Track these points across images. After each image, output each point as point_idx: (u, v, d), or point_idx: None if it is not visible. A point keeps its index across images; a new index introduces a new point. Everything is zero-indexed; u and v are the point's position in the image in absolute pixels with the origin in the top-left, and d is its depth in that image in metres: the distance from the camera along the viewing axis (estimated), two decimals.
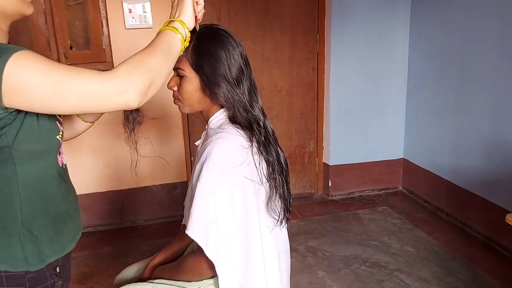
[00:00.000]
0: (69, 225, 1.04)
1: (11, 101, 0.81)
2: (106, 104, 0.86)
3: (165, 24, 0.99)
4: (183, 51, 1.02)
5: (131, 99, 0.86)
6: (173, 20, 0.99)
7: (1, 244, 0.92)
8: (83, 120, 1.22)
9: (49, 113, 0.89)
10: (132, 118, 1.21)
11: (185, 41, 0.99)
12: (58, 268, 1.01)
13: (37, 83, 0.81)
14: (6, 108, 0.82)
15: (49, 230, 0.97)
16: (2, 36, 0.94)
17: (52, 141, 0.96)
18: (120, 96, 0.85)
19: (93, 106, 0.86)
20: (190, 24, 1.01)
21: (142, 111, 1.20)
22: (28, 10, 0.96)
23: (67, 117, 1.18)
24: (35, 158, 0.93)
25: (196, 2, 1.04)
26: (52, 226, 0.98)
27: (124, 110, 1.16)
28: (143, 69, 0.88)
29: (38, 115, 0.90)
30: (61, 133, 1.00)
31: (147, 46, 0.94)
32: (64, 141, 1.07)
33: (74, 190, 1.12)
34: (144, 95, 0.88)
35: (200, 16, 1.06)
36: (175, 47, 0.97)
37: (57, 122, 0.99)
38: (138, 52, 0.91)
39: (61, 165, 1.02)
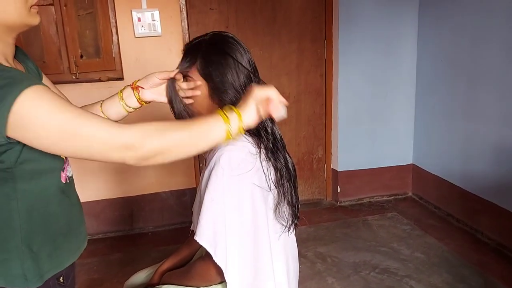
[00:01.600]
0: (71, 240, 1.03)
1: (15, 134, 0.80)
2: (106, 155, 0.85)
3: (226, 108, 0.95)
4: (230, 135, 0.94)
5: (130, 158, 0.85)
6: (232, 109, 0.95)
7: (1, 261, 0.91)
8: (125, 107, 1.20)
9: (49, 152, 0.86)
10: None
11: (231, 135, 0.93)
12: (61, 278, 1.01)
13: (45, 124, 0.80)
14: (8, 137, 0.81)
15: (49, 246, 0.96)
16: (8, 50, 0.93)
17: (55, 161, 0.95)
18: (121, 152, 0.84)
19: (95, 154, 0.85)
20: (248, 122, 0.95)
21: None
22: (35, 20, 0.94)
23: None
24: (35, 177, 0.92)
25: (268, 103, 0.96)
26: (52, 242, 0.96)
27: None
28: (161, 137, 0.86)
29: None
30: None
31: (189, 120, 0.91)
32: None
33: (79, 202, 1.10)
34: (146, 160, 0.86)
35: (278, 116, 0.98)
36: (214, 133, 0.92)
37: None
38: (174, 121, 0.90)
39: (64, 181, 1.01)
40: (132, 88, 1.19)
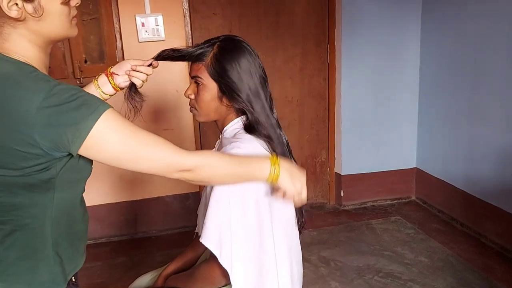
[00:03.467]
0: (84, 240, 1.06)
1: (86, 153, 0.85)
2: (169, 175, 0.95)
3: (275, 157, 1.04)
4: None
5: (186, 179, 0.97)
6: (277, 160, 1.04)
7: (29, 269, 0.92)
8: (101, 94, 1.21)
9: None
10: (133, 101, 1.22)
11: (272, 179, 1.02)
12: (74, 277, 1.03)
13: (118, 148, 0.87)
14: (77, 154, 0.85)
15: (70, 250, 0.98)
16: (47, 60, 0.95)
17: (88, 170, 0.98)
18: (180, 174, 0.94)
19: (158, 173, 0.94)
20: (283, 183, 1.03)
21: (144, 97, 1.21)
22: (74, 32, 0.96)
23: None
24: (72, 186, 0.95)
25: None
26: (72, 246, 0.99)
27: (128, 91, 1.20)
28: (213, 171, 0.97)
29: None
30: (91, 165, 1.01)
31: (242, 156, 1.04)
32: None
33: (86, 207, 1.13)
34: (197, 182, 1.00)
35: (299, 201, 1.08)
36: (255, 173, 1.02)
37: None
38: (226, 153, 1.02)
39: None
40: (106, 75, 1.20)
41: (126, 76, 1.19)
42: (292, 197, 1.05)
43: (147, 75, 1.19)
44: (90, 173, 0.99)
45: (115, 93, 1.23)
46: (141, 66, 1.18)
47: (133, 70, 1.18)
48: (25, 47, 0.88)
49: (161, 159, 0.92)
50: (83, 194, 1.10)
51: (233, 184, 1.04)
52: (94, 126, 0.82)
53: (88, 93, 0.87)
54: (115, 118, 0.86)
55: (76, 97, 0.82)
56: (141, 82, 1.19)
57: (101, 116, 0.83)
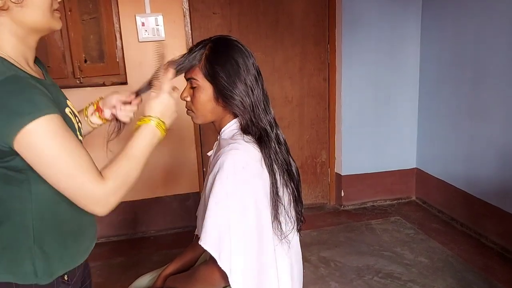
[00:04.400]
0: (81, 241, 1.06)
1: (19, 149, 0.85)
2: (78, 199, 0.91)
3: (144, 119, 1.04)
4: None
5: (100, 213, 0.93)
6: (151, 117, 1.04)
7: (12, 259, 0.95)
8: (89, 123, 1.24)
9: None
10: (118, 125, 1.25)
11: (163, 129, 1.05)
12: (66, 275, 1.03)
13: (44, 155, 0.86)
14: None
15: (59, 246, 0.99)
16: (29, 53, 0.98)
17: None
18: (93, 205, 0.91)
19: (69, 194, 0.91)
20: (170, 124, 1.06)
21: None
22: (57, 25, 0.99)
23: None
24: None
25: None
26: (63, 243, 1.00)
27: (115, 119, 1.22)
28: (126, 187, 0.96)
29: None
30: None
31: (137, 153, 1.00)
32: None
33: None
34: (110, 209, 0.95)
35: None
36: (152, 144, 1.03)
37: None
38: (128, 161, 0.98)
39: None
40: (95, 110, 1.23)
41: (113, 110, 1.22)
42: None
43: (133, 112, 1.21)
44: None
45: (102, 124, 1.26)
46: (127, 103, 1.20)
47: (119, 108, 1.20)
48: (3, 38, 0.92)
49: (80, 180, 0.89)
50: None
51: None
52: (30, 124, 0.82)
53: (43, 96, 0.88)
54: (54, 127, 0.86)
55: (24, 93, 0.84)
56: (129, 119, 1.22)
57: (41, 117, 0.83)
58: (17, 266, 0.95)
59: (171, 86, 1.07)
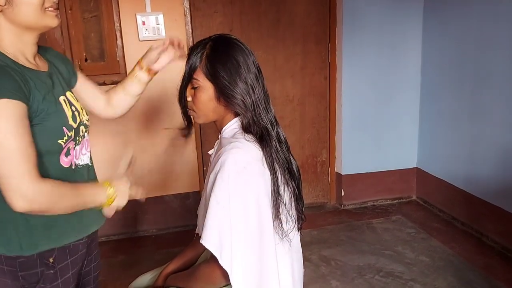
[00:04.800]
0: (72, 222, 1.11)
1: None
2: (7, 184, 0.92)
3: (109, 183, 1.12)
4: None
5: (17, 207, 0.93)
6: (110, 185, 1.11)
7: (1, 232, 1.04)
8: (140, 82, 1.37)
9: None
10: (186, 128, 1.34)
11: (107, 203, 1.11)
12: (51, 258, 1.08)
13: None
14: None
15: (46, 221, 1.05)
16: (27, 48, 1.05)
17: (53, 145, 1.05)
18: (14, 198, 0.92)
19: (1, 176, 0.93)
20: (119, 203, 1.14)
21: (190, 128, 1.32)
22: (53, 22, 1.05)
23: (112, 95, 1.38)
24: (38, 157, 1.00)
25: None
26: (50, 219, 1.05)
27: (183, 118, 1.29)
28: (49, 204, 0.97)
29: (43, 122, 1.01)
30: (65, 138, 1.07)
31: (81, 186, 1.07)
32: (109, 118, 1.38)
33: None
34: (30, 212, 0.96)
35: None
36: (95, 203, 1.08)
37: (64, 127, 1.07)
38: (71, 185, 1.03)
39: (66, 166, 1.10)
40: (149, 73, 1.37)
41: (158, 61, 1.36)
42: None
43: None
44: (57, 151, 1.06)
45: (151, 79, 1.40)
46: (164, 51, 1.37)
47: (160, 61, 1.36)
48: (2, 34, 1.01)
49: (16, 176, 0.92)
50: None
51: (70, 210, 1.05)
52: None
53: (13, 82, 0.94)
54: (12, 111, 0.91)
55: None
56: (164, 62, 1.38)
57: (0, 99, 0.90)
58: (4, 237, 1.03)
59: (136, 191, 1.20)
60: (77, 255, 1.17)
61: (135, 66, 1.36)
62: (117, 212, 1.14)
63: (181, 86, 1.18)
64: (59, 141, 1.06)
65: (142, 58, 1.36)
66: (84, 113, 1.20)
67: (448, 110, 3.10)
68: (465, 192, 2.96)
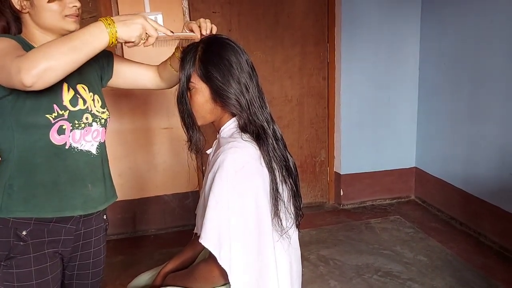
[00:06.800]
0: (53, 197, 1.15)
1: None
2: (9, 80, 0.98)
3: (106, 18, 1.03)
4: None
5: (23, 78, 0.93)
6: (109, 18, 1.02)
7: None
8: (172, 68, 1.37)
9: None
10: (194, 142, 1.28)
11: (112, 39, 1.01)
12: (25, 231, 1.13)
13: None
14: None
15: (27, 190, 1.13)
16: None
17: (39, 118, 1.11)
18: (16, 75, 0.95)
19: (4, 80, 1.00)
20: (123, 35, 1.02)
21: (202, 139, 1.26)
22: (70, 27, 1.17)
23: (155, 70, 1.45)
24: (26, 129, 1.11)
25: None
26: (31, 189, 1.13)
27: (187, 133, 1.25)
28: (43, 56, 0.95)
29: (27, 95, 1.09)
30: (54, 114, 1.13)
31: (74, 37, 0.99)
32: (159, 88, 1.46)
33: (93, 175, 1.27)
34: (38, 77, 0.94)
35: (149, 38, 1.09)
36: (94, 39, 0.99)
37: (55, 105, 1.14)
38: (55, 40, 1.00)
39: (59, 144, 1.15)
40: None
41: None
42: (138, 42, 1.06)
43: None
44: (45, 125, 1.12)
45: None
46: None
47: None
48: (29, 31, 1.18)
49: (5, 66, 0.97)
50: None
51: (76, 61, 0.98)
52: None
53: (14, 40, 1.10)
54: (7, 40, 1.06)
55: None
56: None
57: None
58: None
59: (154, 25, 1.08)
60: (57, 237, 1.19)
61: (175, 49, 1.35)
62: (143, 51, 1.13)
63: (180, 91, 1.16)
64: (47, 116, 1.12)
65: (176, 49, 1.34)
66: (99, 106, 1.27)
67: (446, 110, 3.11)
68: (464, 191, 2.96)
